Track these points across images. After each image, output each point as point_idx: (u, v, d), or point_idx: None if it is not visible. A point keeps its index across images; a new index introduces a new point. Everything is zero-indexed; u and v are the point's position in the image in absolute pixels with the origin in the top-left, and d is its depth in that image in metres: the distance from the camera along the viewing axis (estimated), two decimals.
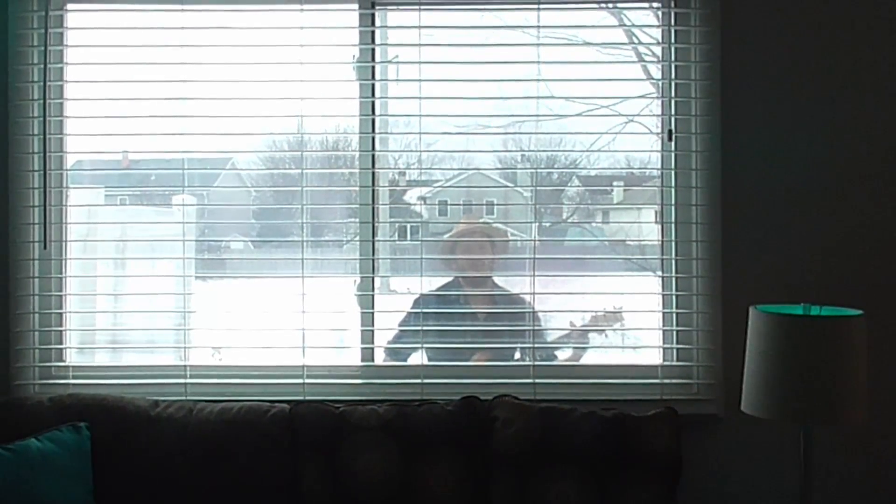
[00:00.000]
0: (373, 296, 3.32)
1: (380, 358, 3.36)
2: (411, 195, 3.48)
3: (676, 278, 3.27)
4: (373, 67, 3.31)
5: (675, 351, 3.29)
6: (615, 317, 3.35)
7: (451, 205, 3.49)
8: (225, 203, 3.53)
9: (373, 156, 3.31)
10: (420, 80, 3.29)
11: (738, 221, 3.20)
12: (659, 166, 3.31)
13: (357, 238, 3.33)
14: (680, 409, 2.99)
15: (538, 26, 3.27)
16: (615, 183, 3.50)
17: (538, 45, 3.28)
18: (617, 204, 3.51)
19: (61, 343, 3.32)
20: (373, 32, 3.32)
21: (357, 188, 3.32)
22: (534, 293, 3.31)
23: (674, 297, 3.28)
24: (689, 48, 3.25)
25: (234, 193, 3.55)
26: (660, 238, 3.31)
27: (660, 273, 3.32)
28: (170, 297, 3.37)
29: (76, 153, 3.37)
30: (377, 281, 3.34)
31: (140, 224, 3.41)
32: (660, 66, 3.32)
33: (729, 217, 3.20)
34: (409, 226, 3.46)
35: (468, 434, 2.94)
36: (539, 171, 3.34)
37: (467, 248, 3.40)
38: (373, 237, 3.31)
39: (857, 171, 3.20)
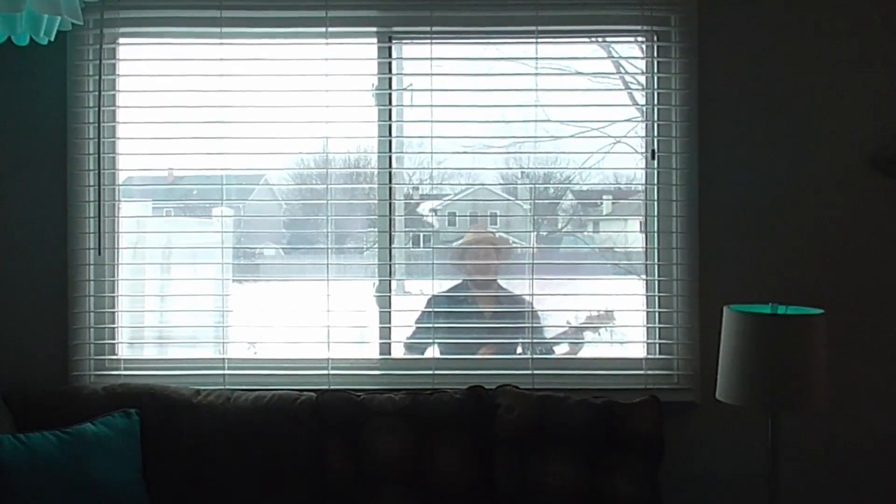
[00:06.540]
0: (390, 297, 3.32)
1: (396, 352, 3.35)
2: (424, 207, 3.46)
3: (659, 281, 3.28)
4: (390, 94, 3.30)
5: (657, 346, 3.30)
6: (606, 317, 3.37)
7: (460, 216, 3.47)
8: (259, 214, 3.52)
9: (390, 173, 3.31)
10: (432, 106, 3.29)
11: (713, 231, 3.22)
12: (643, 182, 3.31)
13: (376, 245, 3.32)
14: (662, 397, 3.00)
15: (536, 58, 3.27)
16: (604, 197, 3.49)
17: (536, 74, 3.28)
18: (606, 215, 3.51)
19: (114, 339, 3.32)
20: (390, 63, 3.31)
21: (376, 201, 3.31)
22: (533, 294, 3.31)
23: (656, 298, 3.29)
24: (669, 77, 3.25)
25: (266, 206, 3.53)
26: (644, 246, 3.31)
27: (644, 276, 3.32)
28: (210, 298, 3.37)
29: (127, 170, 3.38)
30: (394, 283, 3.33)
31: (183, 233, 3.40)
32: (644, 93, 3.32)
33: (705, 227, 3.21)
34: (421, 234, 3.44)
35: (474, 419, 2.95)
36: (537, 186, 3.35)
37: (474, 254, 3.40)
38: (390, 245, 3.31)
39: (819, 186, 3.21)
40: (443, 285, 3.40)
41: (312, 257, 3.39)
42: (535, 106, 3.29)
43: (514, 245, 3.44)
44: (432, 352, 3.35)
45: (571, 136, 3.33)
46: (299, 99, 3.30)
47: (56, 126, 3.26)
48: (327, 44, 3.30)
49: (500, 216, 3.48)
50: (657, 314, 3.30)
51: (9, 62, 3.20)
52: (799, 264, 3.21)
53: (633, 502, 2.83)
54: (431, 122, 3.30)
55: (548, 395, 3.00)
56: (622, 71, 3.40)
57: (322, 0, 3.24)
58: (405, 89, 3.38)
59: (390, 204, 3.32)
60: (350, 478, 2.89)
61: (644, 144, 3.32)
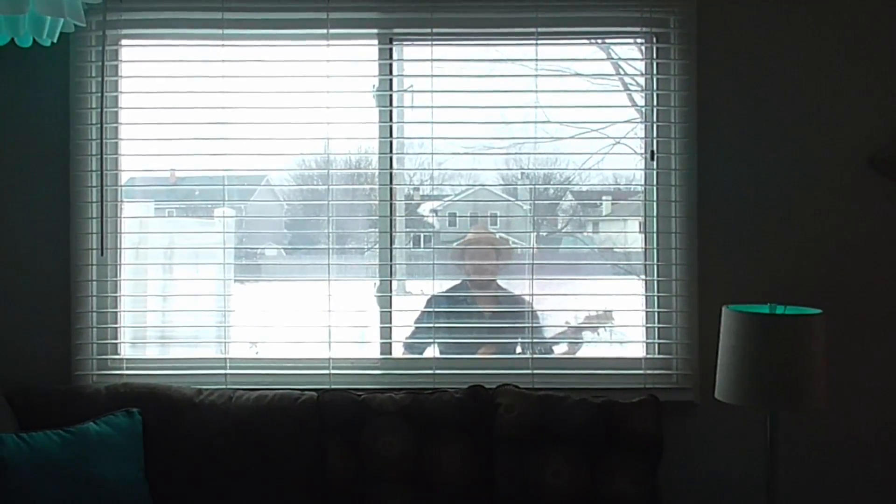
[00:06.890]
0: (390, 297, 3.31)
1: (397, 351, 3.35)
2: (424, 208, 3.46)
3: (658, 281, 3.28)
4: (390, 95, 3.30)
5: (656, 345, 3.30)
6: (605, 317, 3.37)
7: (460, 216, 3.47)
8: (260, 215, 3.54)
9: (390, 173, 3.30)
10: (432, 107, 3.29)
11: (711, 231, 3.22)
12: (642, 183, 3.31)
13: (377, 246, 3.32)
14: (661, 396, 3.00)
15: (536, 59, 3.27)
16: (604, 197, 3.49)
17: (536, 76, 3.28)
18: (605, 216, 3.51)
19: (116, 338, 3.32)
20: (390, 64, 3.31)
21: (377, 202, 3.31)
22: (532, 294, 3.30)
23: (655, 298, 3.29)
24: (668, 78, 3.26)
25: (268, 206, 3.54)
26: (643, 246, 3.32)
27: (643, 277, 3.32)
28: (212, 298, 3.37)
29: (129, 171, 3.37)
30: (394, 283, 3.33)
31: (185, 234, 3.40)
32: (643, 94, 3.33)
33: (704, 227, 3.22)
34: (422, 235, 3.44)
35: (474, 418, 2.95)
36: (537, 186, 3.35)
37: (474, 254, 3.40)
38: (390, 245, 3.31)
39: (818, 187, 3.21)
40: (443, 285, 3.40)
41: (314, 257, 3.38)
42: (535, 107, 3.29)
43: (514, 245, 3.44)
44: (432, 351, 3.34)
45: (571, 137, 3.33)
46: (300, 100, 3.31)
47: (59, 127, 3.27)
48: (328, 45, 3.31)
49: (501, 217, 3.49)
50: (656, 314, 3.30)
51: (12, 64, 3.21)
52: (797, 264, 3.21)
53: (632, 501, 2.83)
54: (432, 123, 3.30)
55: (548, 395, 3.00)
56: (621, 72, 3.40)
57: (323, 2, 3.24)
58: (406, 90, 3.38)
59: (391, 204, 3.32)
60: (351, 477, 2.89)
61: (643, 145, 3.32)
